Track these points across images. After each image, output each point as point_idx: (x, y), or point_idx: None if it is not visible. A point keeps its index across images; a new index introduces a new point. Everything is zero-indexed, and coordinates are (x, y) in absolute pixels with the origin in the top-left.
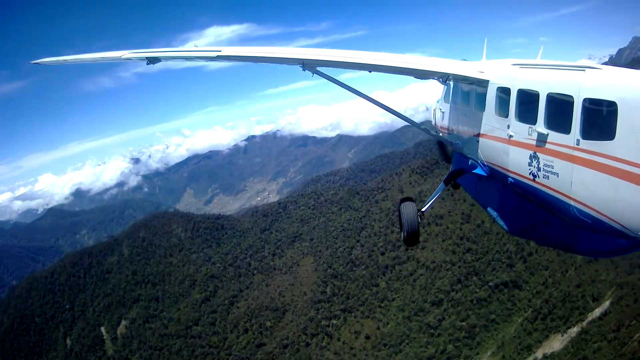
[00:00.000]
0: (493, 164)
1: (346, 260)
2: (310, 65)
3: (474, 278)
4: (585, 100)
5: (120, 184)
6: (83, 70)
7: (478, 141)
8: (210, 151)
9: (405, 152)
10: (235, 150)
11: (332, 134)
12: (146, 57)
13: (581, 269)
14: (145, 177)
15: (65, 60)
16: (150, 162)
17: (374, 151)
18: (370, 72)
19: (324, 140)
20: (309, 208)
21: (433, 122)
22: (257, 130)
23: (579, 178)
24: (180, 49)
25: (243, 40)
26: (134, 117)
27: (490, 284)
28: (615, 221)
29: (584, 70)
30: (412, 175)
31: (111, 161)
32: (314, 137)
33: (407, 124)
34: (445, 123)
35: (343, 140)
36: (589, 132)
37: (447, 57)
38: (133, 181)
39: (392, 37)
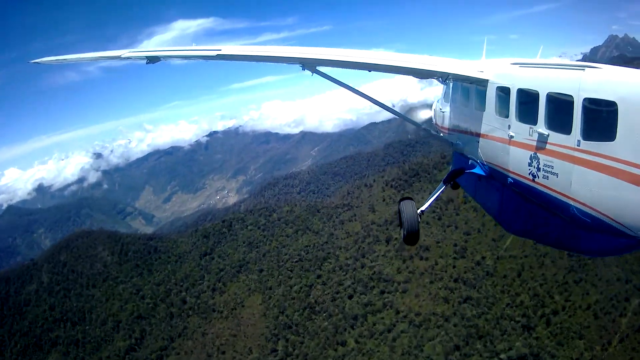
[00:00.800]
0: (493, 164)
1: (303, 304)
2: (309, 65)
3: (478, 345)
4: (585, 100)
5: (80, 180)
6: (51, 65)
7: (478, 141)
8: (171, 147)
9: (373, 153)
10: (197, 146)
11: (296, 130)
12: (146, 57)
13: (630, 341)
14: (105, 172)
15: (65, 59)
16: (111, 157)
17: (338, 149)
18: (369, 71)
19: (287, 137)
20: (259, 228)
21: (433, 122)
22: (220, 126)
23: (579, 178)
24: (180, 48)
25: (209, 35)
26: (101, 110)
27: (502, 356)
28: (615, 221)
29: (583, 69)
30: (386, 189)
31: (74, 156)
32: (277, 133)
33: (373, 121)
34: (445, 123)
35: (307, 138)
36: (589, 132)
37: (413, 52)
38: (93, 177)
39: (358, 32)
